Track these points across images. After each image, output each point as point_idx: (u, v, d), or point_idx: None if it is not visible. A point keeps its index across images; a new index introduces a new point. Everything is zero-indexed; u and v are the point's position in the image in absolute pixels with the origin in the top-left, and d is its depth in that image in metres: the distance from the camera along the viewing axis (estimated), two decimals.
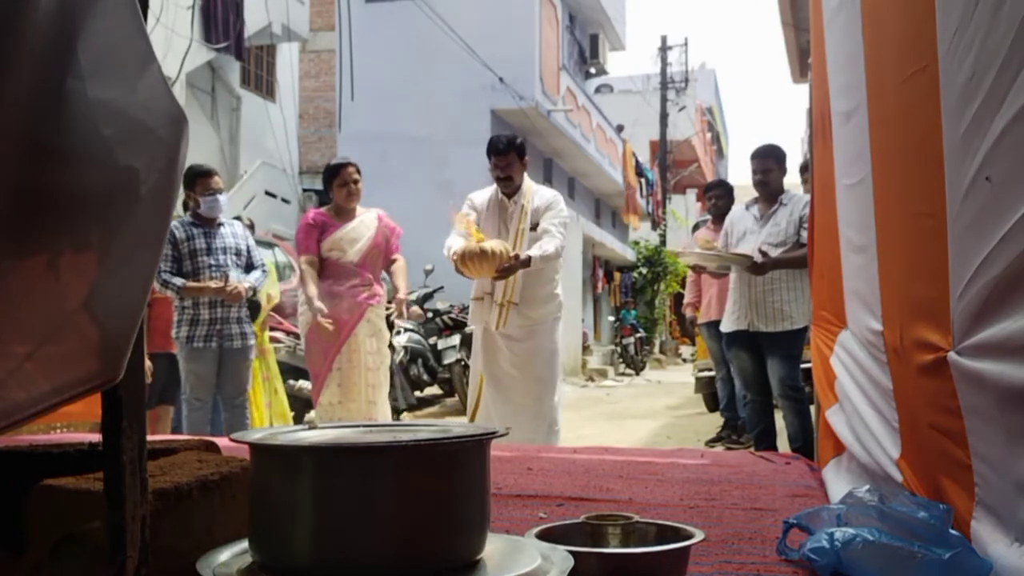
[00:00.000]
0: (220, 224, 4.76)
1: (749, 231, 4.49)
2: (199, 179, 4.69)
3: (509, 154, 4.14)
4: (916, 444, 1.64)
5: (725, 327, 4.64)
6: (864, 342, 2.02)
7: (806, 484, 2.35)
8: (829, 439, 2.40)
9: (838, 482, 2.11)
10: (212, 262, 4.63)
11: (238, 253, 4.78)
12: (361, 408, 4.64)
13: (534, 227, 4.10)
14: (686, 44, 24.75)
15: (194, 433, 4.47)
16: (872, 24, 1.87)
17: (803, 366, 5.83)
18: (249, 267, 4.83)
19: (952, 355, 1.35)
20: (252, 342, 4.85)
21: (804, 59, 8.83)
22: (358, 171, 4.73)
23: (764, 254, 4.17)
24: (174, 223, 4.64)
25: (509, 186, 4.16)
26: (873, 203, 1.90)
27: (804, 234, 4.07)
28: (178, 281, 4.51)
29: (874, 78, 1.86)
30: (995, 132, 1.18)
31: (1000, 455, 1.23)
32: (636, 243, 21.74)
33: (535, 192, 4.23)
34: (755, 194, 4.84)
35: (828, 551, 1.32)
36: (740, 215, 4.65)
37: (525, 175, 4.24)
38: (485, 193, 4.27)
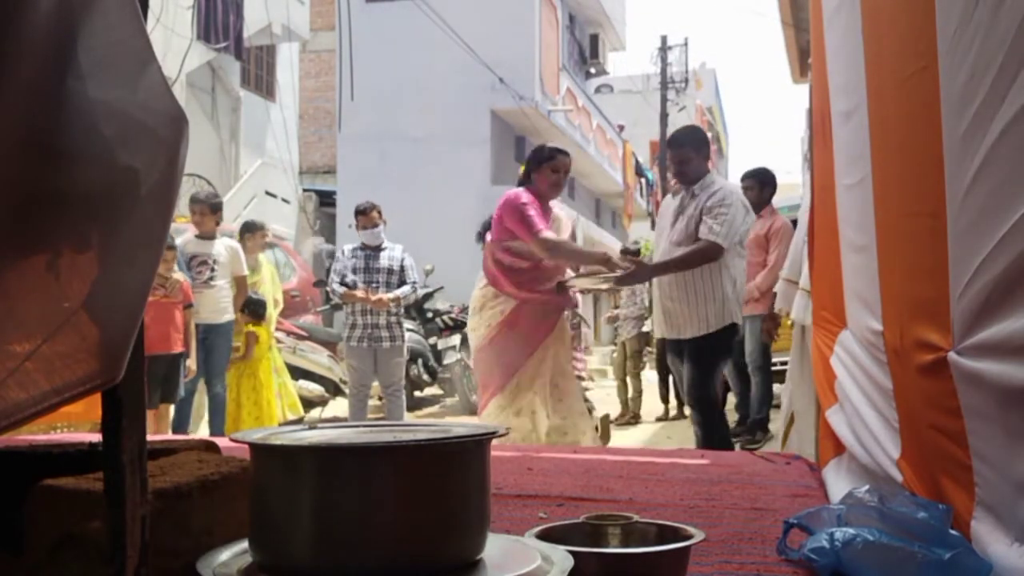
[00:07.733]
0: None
1: (667, 226, 4.02)
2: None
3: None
4: (916, 444, 1.64)
5: (657, 333, 4.33)
6: (864, 342, 2.02)
7: (806, 484, 2.35)
8: (829, 439, 2.40)
9: (838, 482, 2.11)
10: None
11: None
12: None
13: None
14: (686, 44, 24.73)
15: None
16: (872, 24, 1.87)
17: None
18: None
19: (952, 355, 1.35)
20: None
21: (804, 59, 8.83)
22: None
23: (632, 252, 3.83)
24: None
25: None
26: (873, 203, 1.90)
27: (703, 228, 3.73)
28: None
29: (874, 78, 1.86)
30: (995, 132, 1.18)
31: (1000, 455, 1.23)
32: (636, 243, 21.72)
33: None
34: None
35: (828, 551, 1.32)
36: (666, 204, 4.18)
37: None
38: None
